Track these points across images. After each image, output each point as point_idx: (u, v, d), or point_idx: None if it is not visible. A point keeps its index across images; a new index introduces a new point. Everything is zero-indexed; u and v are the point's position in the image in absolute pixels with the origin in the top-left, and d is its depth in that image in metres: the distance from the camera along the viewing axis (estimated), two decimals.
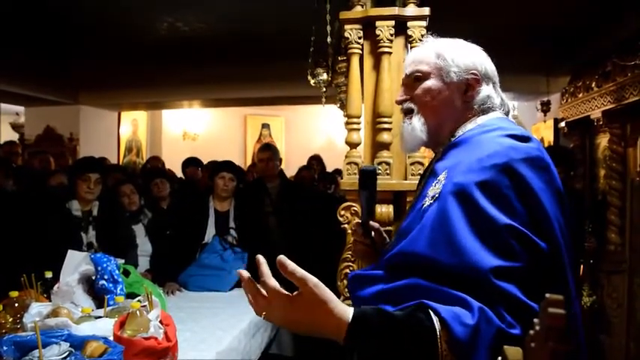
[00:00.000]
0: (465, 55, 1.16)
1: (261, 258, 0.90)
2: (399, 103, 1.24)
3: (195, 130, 8.77)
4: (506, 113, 1.18)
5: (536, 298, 0.87)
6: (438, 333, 0.83)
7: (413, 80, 1.20)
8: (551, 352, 0.52)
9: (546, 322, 0.53)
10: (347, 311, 0.87)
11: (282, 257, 0.86)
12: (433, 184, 1.07)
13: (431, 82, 1.17)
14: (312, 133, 9.22)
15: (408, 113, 1.22)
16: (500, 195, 0.94)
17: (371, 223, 1.32)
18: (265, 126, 9.39)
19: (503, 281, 0.86)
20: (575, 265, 1.13)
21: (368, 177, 1.29)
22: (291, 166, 6.03)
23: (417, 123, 1.18)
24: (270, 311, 0.90)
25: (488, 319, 0.84)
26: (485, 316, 0.84)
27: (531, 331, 0.58)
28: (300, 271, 0.86)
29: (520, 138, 1.02)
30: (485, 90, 1.15)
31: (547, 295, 0.55)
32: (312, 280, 0.86)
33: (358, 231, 1.33)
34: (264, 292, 0.89)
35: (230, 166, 3.41)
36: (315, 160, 5.72)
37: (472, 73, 1.14)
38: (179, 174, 5.42)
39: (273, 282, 0.89)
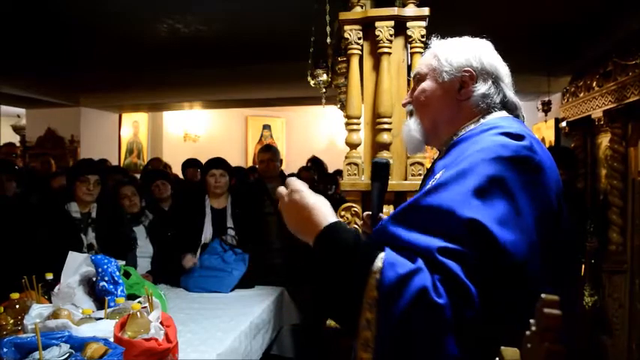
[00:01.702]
0: (458, 54, 1.15)
1: None
2: (404, 105, 1.27)
3: (196, 132, 8.78)
4: (512, 110, 1.17)
5: (481, 288, 0.87)
6: (374, 268, 0.90)
7: (415, 82, 1.23)
8: (546, 353, 0.52)
9: (542, 323, 0.53)
10: (326, 219, 1.01)
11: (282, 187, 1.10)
12: (430, 183, 1.07)
13: (425, 84, 1.19)
14: (313, 134, 9.23)
15: (409, 115, 1.25)
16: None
17: (381, 215, 1.33)
18: (266, 127, 9.41)
19: (448, 259, 0.88)
20: (565, 266, 1.12)
21: (380, 169, 1.32)
22: (291, 167, 6.03)
23: (413, 124, 1.22)
24: (283, 211, 1.10)
25: (420, 276, 0.87)
26: (418, 272, 0.88)
27: (527, 332, 0.58)
28: (293, 181, 1.10)
29: (514, 136, 1.02)
30: (482, 87, 1.14)
31: (542, 295, 0.55)
32: (299, 187, 1.08)
33: (368, 222, 1.35)
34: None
35: (219, 163, 3.41)
36: (312, 162, 5.72)
37: (465, 71, 1.14)
38: (180, 175, 5.42)
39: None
